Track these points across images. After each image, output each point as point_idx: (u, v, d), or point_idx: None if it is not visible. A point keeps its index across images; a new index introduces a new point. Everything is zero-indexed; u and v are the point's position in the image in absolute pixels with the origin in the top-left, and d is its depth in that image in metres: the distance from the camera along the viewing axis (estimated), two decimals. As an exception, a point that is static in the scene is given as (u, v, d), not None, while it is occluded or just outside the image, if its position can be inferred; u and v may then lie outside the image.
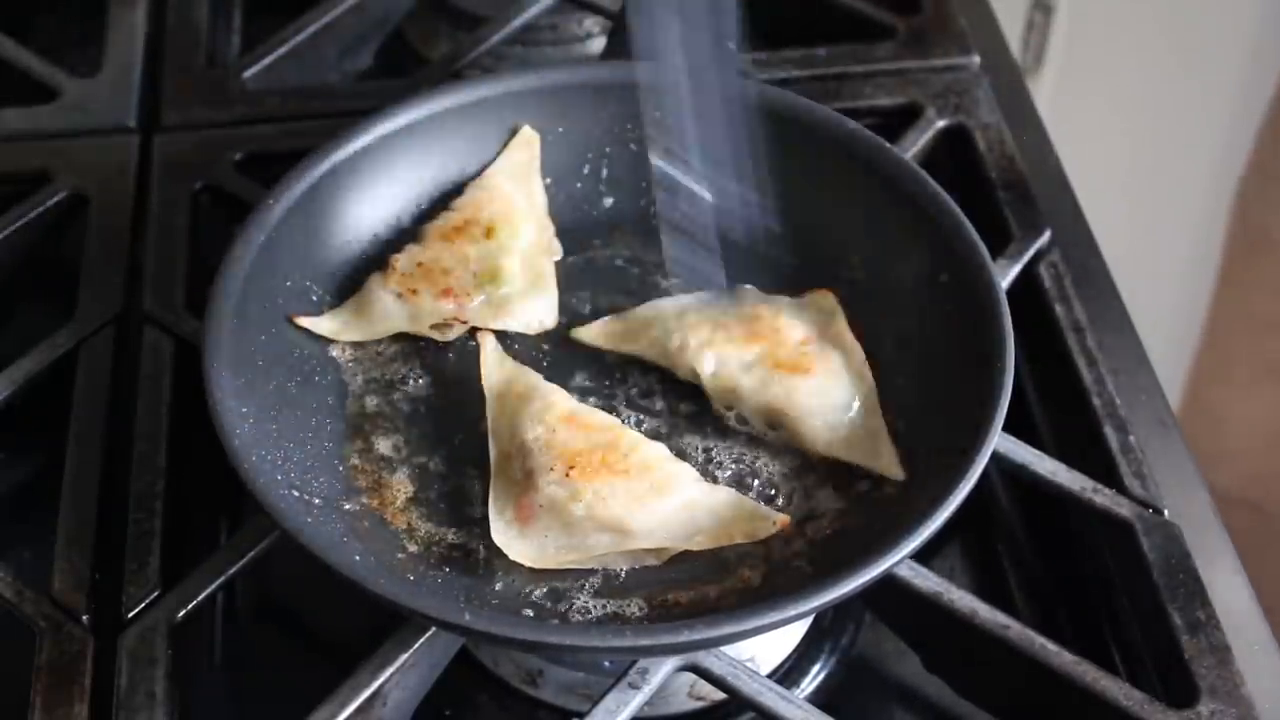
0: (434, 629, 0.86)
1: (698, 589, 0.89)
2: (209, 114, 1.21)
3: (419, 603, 0.82)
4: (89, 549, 0.94)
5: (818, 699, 0.97)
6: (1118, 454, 0.98)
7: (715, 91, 0.94)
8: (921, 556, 0.85)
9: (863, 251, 1.03)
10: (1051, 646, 0.87)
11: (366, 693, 0.84)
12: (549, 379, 0.97)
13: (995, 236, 1.08)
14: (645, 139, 1.01)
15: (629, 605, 0.88)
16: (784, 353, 0.96)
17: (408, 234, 1.05)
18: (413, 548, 0.90)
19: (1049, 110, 1.28)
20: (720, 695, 0.92)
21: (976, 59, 1.26)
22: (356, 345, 1.01)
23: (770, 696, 0.84)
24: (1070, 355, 1.04)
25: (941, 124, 1.19)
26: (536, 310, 1.03)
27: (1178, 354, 2.53)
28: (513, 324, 1.02)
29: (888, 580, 0.85)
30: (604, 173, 1.08)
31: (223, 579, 0.91)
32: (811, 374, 0.96)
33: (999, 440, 0.92)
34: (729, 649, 0.86)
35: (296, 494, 0.88)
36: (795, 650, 0.98)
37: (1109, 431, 0.99)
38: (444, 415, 0.98)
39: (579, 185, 1.09)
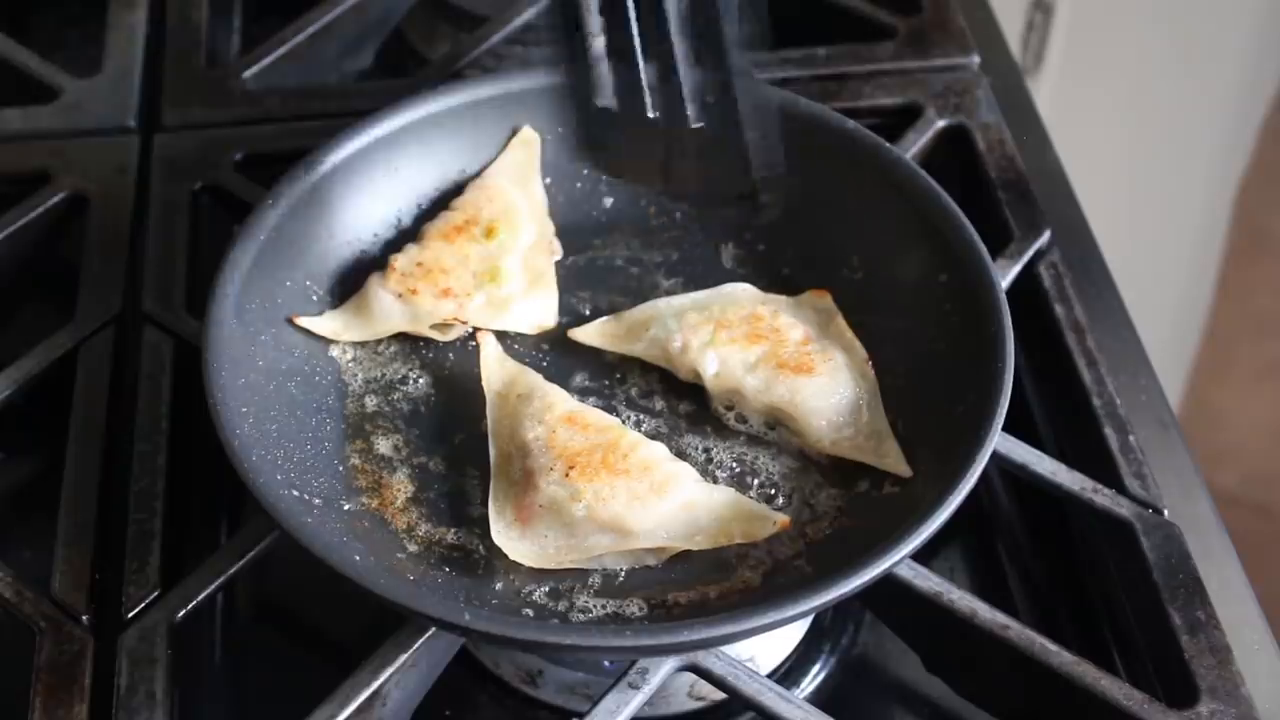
0: (434, 629, 0.86)
1: (698, 589, 0.89)
2: (209, 114, 1.21)
3: (419, 603, 0.82)
4: (89, 549, 0.94)
5: (818, 699, 0.97)
6: (1118, 454, 0.98)
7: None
8: (921, 556, 0.85)
9: (863, 251, 1.03)
10: (1051, 646, 0.87)
11: (366, 693, 0.84)
12: (549, 379, 0.97)
13: (995, 236, 1.08)
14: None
15: (629, 605, 0.88)
16: (786, 352, 0.97)
17: (408, 234, 1.05)
18: (413, 548, 0.90)
19: (1049, 110, 1.28)
20: (720, 695, 0.92)
21: (976, 59, 1.26)
22: (356, 345, 1.01)
23: (770, 696, 0.84)
24: (1070, 355, 1.04)
25: (941, 124, 1.19)
26: (536, 310, 1.03)
27: (1178, 354, 2.53)
28: (513, 324, 1.02)
29: (888, 580, 0.85)
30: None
31: (223, 579, 0.91)
32: (814, 373, 0.96)
33: (999, 440, 0.92)
34: (729, 649, 0.86)
35: (296, 494, 0.88)
36: (795, 650, 0.98)
37: (1109, 431, 0.99)
38: (444, 415, 0.98)
39: (579, 185, 1.09)
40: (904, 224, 1.00)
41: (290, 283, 0.99)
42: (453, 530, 0.92)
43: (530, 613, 0.87)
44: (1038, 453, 0.97)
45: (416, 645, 0.86)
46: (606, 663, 0.93)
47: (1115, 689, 0.85)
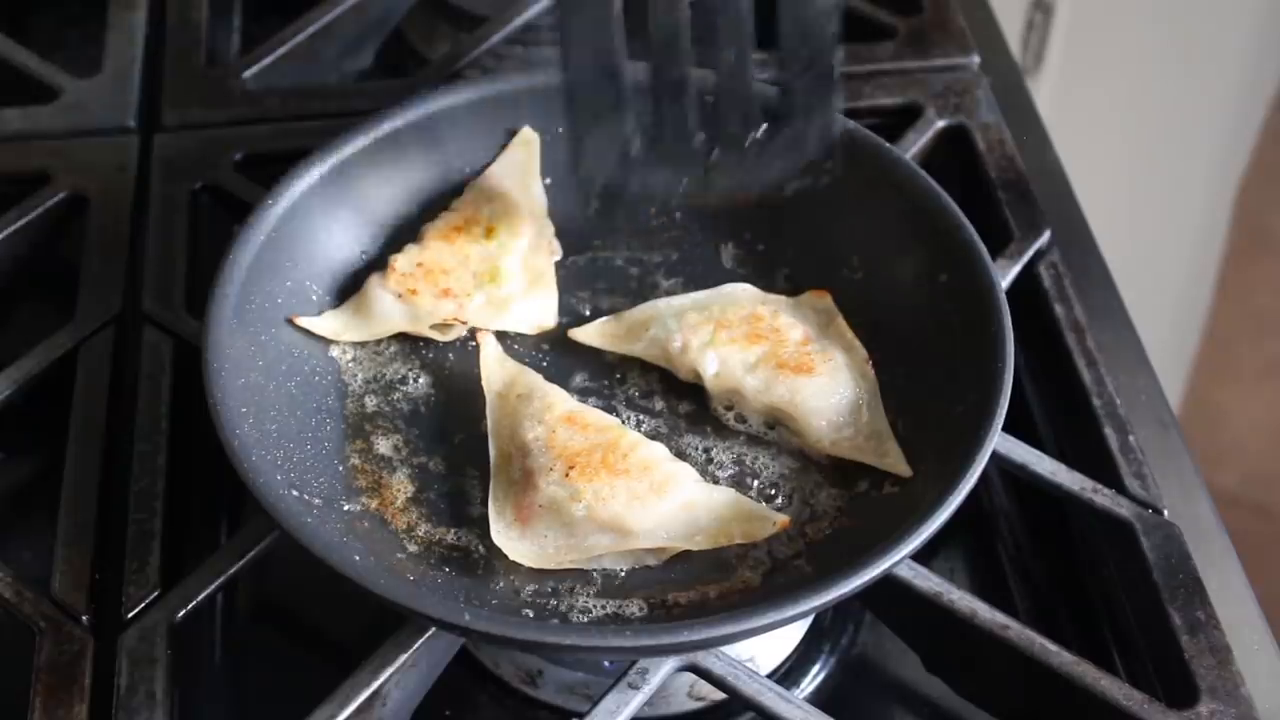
0: (434, 629, 0.86)
1: (698, 589, 0.89)
2: (209, 114, 1.21)
3: (419, 603, 0.82)
4: (89, 549, 0.94)
5: (818, 699, 0.97)
6: (1118, 454, 0.98)
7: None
8: (921, 556, 0.85)
9: (863, 251, 1.03)
10: (1051, 646, 0.87)
11: (366, 693, 0.84)
12: (549, 379, 0.97)
13: (995, 236, 1.08)
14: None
15: (629, 605, 0.88)
16: (786, 352, 0.97)
17: (408, 234, 1.05)
18: (413, 548, 0.90)
19: (1049, 110, 1.28)
20: (720, 695, 0.92)
21: (976, 59, 1.26)
22: (356, 345, 1.01)
23: (770, 696, 0.84)
24: (1070, 355, 1.04)
25: (941, 124, 1.19)
26: (536, 310, 1.03)
27: (1178, 354, 2.53)
28: (513, 324, 1.02)
29: (888, 580, 0.85)
30: (604, 173, 1.08)
31: (223, 579, 0.91)
32: (815, 373, 0.96)
33: (999, 440, 0.92)
34: (729, 649, 0.86)
35: (296, 494, 0.88)
36: (795, 650, 0.98)
37: (1109, 431, 0.99)
38: (444, 415, 0.98)
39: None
40: (904, 224, 1.00)
41: (290, 283, 0.99)
42: (452, 530, 0.92)
43: (530, 613, 0.87)
44: (1038, 453, 0.97)
45: (416, 645, 0.86)
46: (606, 663, 0.93)
47: (1115, 689, 0.85)
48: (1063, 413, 1.06)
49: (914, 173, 1.01)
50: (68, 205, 1.14)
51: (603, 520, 0.88)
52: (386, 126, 1.04)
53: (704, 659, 0.86)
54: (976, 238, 0.97)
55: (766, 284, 1.03)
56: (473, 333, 1.01)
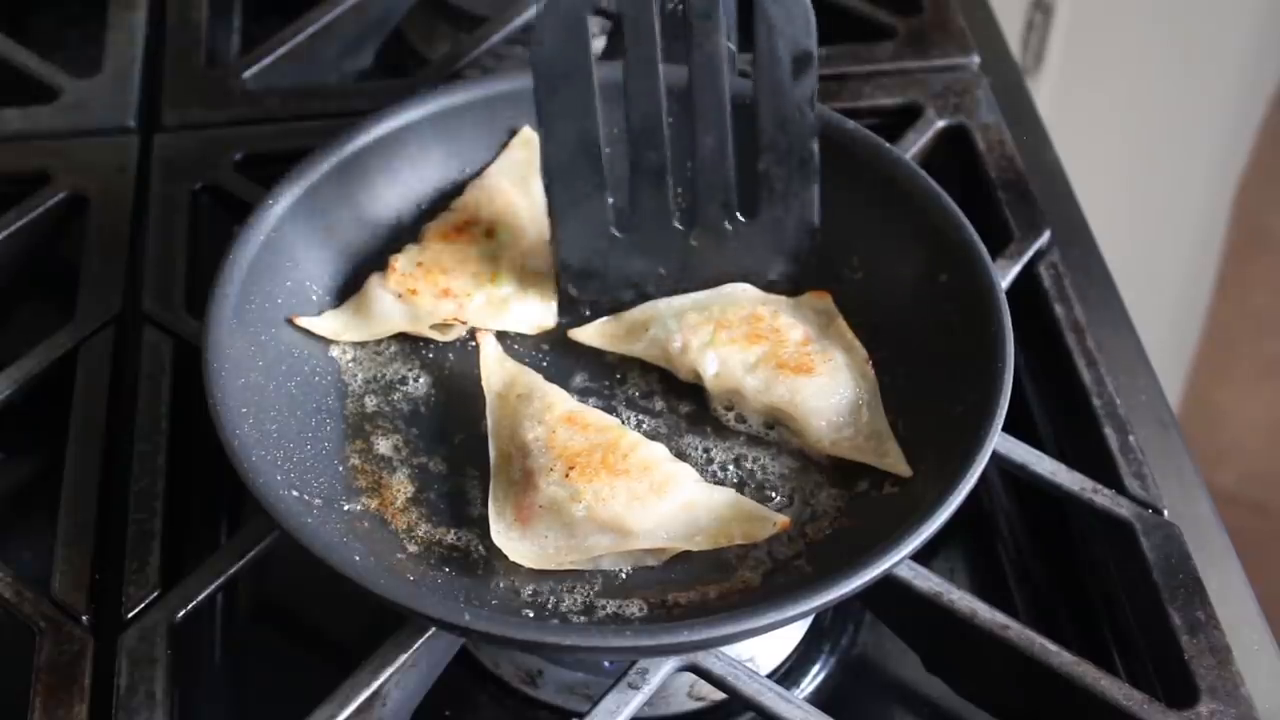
0: (434, 629, 0.86)
1: (698, 589, 0.89)
2: (209, 114, 1.21)
3: (419, 603, 0.82)
4: (89, 549, 0.94)
5: (818, 699, 0.97)
6: (1118, 454, 0.98)
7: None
8: (921, 556, 0.85)
9: (863, 251, 1.03)
10: (1051, 646, 0.87)
11: (366, 693, 0.84)
12: (549, 379, 0.97)
13: (995, 236, 1.08)
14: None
15: (629, 605, 0.88)
16: (786, 353, 0.96)
17: (408, 234, 1.05)
18: (413, 548, 0.90)
19: (1049, 110, 1.28)
20: (720, 695, 0.92)
21: (976, 59, 1.26)
22: (356, 345, 1.01)
23: (770, 696, 0.84)
24: (1070, 355, 1.04)
25: (941, 124, 1.19)
26: (536, 310, 1.03)
27: (1178, 354, 2.53)
28: (513, 324, 1.02)
29: (888, 580, 0.85)
30: (604, 173, 1.08)
31: (223, 579, 0.91)
32: (815, 374, 0.96)
33: (999, 440, 0.92)
34: (729, 649, 0.86)
35: (296, 494, 0.88)
36: (795, 650, 0.98)
37: (1109, 431, 0.99)
38: (444, 415, 0.98)
39: (579, 185, 1.09)
40: (904, 224, 1.00)
41: (290, 283, 0.99)
42: (452, 530, 0.92)
43: (530, 613, 0.87)
44: (1037, 453, 0.97)
45: (416, 645, 0.86)
46: (606, 663, 0.93)
47: (1115, 689, 0.85)
48: (1063, 413, 1.06)
49: (914, 173, 1.01)
50: (68, 205, 1.14)
51: (603, 520, 0.88)
52: (387, 127, 1.04)
53: (704, 659, 0.86)
54: (976, 238, 0.97)
55: (766, 284, 1.03)
56: (473, 333, 1.01)
